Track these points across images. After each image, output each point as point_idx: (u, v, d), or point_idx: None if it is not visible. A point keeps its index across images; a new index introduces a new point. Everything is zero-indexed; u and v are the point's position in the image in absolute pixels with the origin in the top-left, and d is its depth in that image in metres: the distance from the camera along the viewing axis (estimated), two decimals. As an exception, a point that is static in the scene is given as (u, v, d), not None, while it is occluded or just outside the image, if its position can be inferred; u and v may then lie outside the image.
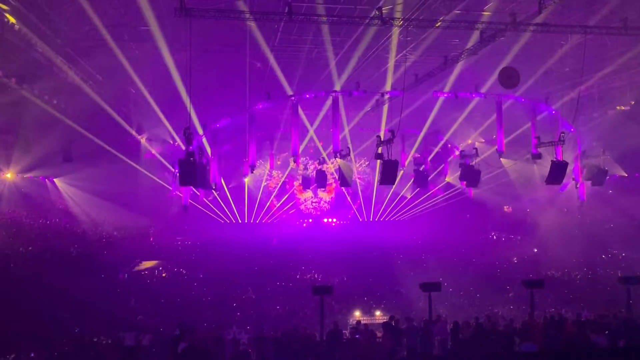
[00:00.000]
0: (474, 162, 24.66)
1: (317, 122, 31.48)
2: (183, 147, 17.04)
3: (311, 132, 32.76)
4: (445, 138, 33.38)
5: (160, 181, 32.30)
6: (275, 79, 26.70)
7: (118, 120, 28.49)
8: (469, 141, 33.61)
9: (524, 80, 22.51)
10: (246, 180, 38.46)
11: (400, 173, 33.36)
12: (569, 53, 24.24)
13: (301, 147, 34.45)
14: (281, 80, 27.03)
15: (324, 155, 24.85)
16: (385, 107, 27.28)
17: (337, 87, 25.09)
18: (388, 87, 24.96)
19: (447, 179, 33.94)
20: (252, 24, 20.35)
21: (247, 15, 17.10)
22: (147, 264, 28.49)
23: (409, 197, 41.37)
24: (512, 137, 26.82)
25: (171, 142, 31.70)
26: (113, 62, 23.82)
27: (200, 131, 22.05)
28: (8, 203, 27.37)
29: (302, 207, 42.74)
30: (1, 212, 26.21)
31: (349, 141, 30.78)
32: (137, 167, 31.61)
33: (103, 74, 26.02)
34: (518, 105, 24.72)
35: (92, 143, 28.90)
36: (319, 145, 33.29)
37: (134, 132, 30.93)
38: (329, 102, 24.50)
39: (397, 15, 18.16)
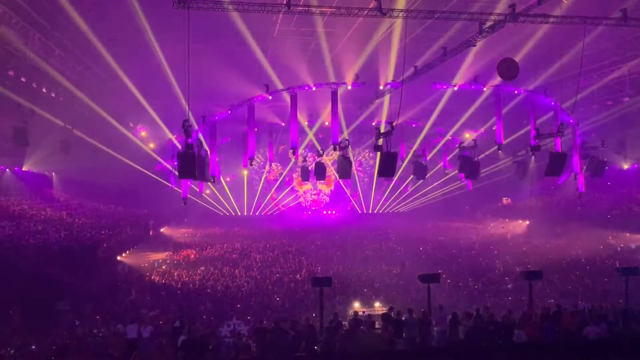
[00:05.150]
0: (477, 158, 24.61)
1: (323, 116, 31.48)
2: (178, 146, 16.99)
3: (310, 134, 32.82)
4: (450, 133, 33.37)
5: (155, 176, 32.37)
6: (274, 70, 26.62)
7: (109, 118, 28.53)
8: (467, 135, 33.66)
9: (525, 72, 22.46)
10: (244, 172, 38.54)
11: (402, 165, 33.51)
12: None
13: (305, 142, 34.67)
14: (280, 72, 26.95)
15: (318, 147, 24.83)
16: (387, 99, 27.21)
17: (332, 79, 25.01)
18: (390, 78, 24.88)
19: (447, 172, 33.91)
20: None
21: (246, 7, 17.00)
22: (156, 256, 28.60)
23: (411, 189, 41.50)
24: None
25: (168, 136, 31.77)
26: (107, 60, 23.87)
27: (196, 126, 22.00)
28: (9, 195, 27.40)
29: (301, 199, 42.82)
30: (2, 204, 26.22)
31: (346, 133, 30.77)
32: (133, 164, 31.67)
33: (98, 68, 25.95)
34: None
35: (91, 135, 28.98)
36: (313, 138, 33.25)
37: (126, 131, 30.96)
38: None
39: (399, 6, 18.06)
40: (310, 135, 33.20)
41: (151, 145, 33.13)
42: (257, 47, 24.91)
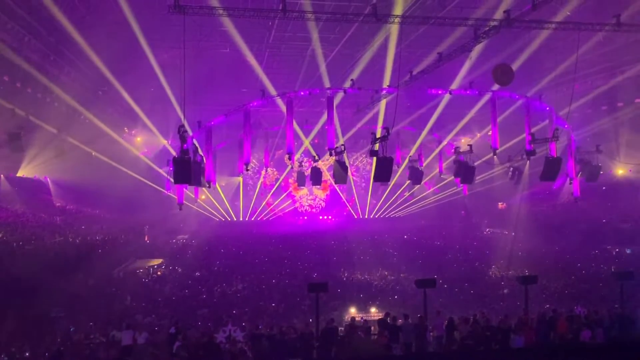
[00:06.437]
0: (474, 164, 24.69)
1: (321, 122, 31.52)
2: (172, 152, 16.96)
3: (307, 142, 32.83)
4: (447, 138, 33.46)
5: (149, 182, 32.29)
6: (270, 76, 26.68)
7: (102, 125, 28.48)
8: (463, 140, 33.81)
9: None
10: (240, 178, 38.51)
11: (399, 171, 33.61)
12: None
13: (301, 148, 34.71)
14: (276, 78, 26.99)
15: (314, 153, 24.86)
16: (383, 104, 27.26)
17: (328, 85, 25.07)
18: (386, 84, 24.97)
19: (443, 176, 34.02)
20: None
21: (242, 12, 17.04)
22: (152, 262, 28.45)
23: (407, 195, 41.62)
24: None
25: (163, 142, 31.76)
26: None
27: (190, 132, 22.04)
28: (3, 201, 27.24)
29: (297, 204, 42.82)
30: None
31: (342, 139, 30.81)
32: (127, 170, 31.60)
33: (93, 74, 25.93)
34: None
35: (85, 141, 28.90)
36: (309, 146, 33.28)
37: (119, 137, 30.92)
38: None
39: (394, 12, 18.15)
40: (307, 143, 33.25)
41: (138, 153, 33.08)
42: (253, 53, 24.98)
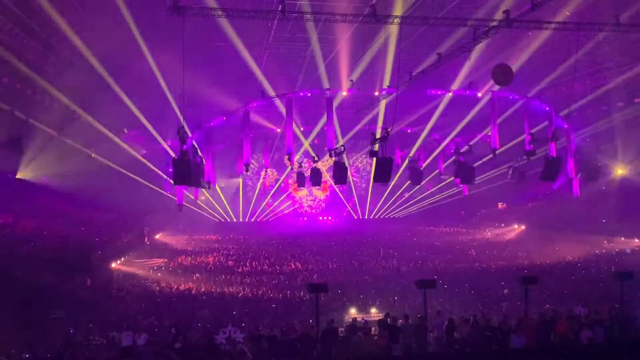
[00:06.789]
0: (475, 164, 24.68)
1: (321, 123, 31.48)
2: (171, 153, 16.96)
3: (306, 143, 32.83)
4: (448, 139, 33.44)
5: (148, 183, 32.25)
6: (269, 77, 26.66)
7: (100, 126, 28.47)
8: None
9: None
10: (239, 179, 38.51)
11: (399, 172, 33.62)
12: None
13: (301, 149, 34.66)
14: (275, 79, 26.96)
15: (313, 154, 24.83)
16: (383, 104, 27.25)
17: (328, 85, 25.04)
18: (386, 84, 24.95)
19: (443, 177, 33.99)
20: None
21: (241, 13, 17.03)
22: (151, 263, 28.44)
23: (407, 195, 41.67)
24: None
25: (163, 144, 31.74)
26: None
27: (189, 133, 22.02)
28: (2, 202, 27.22)
29: (297, 205, 42.84)
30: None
31: (341, 139, 30.80)
32: (126, 172, 31.58)
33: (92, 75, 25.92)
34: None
35: (85, 142, 28.88)
36: (309, 147, 33.26)
37: (118, 139, 30.90)
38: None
39: (394, 12, 18.13)
40: (306, 144, 33.24)
41: (136, 154, 33.08)
42: (252, 53, 24.95)
